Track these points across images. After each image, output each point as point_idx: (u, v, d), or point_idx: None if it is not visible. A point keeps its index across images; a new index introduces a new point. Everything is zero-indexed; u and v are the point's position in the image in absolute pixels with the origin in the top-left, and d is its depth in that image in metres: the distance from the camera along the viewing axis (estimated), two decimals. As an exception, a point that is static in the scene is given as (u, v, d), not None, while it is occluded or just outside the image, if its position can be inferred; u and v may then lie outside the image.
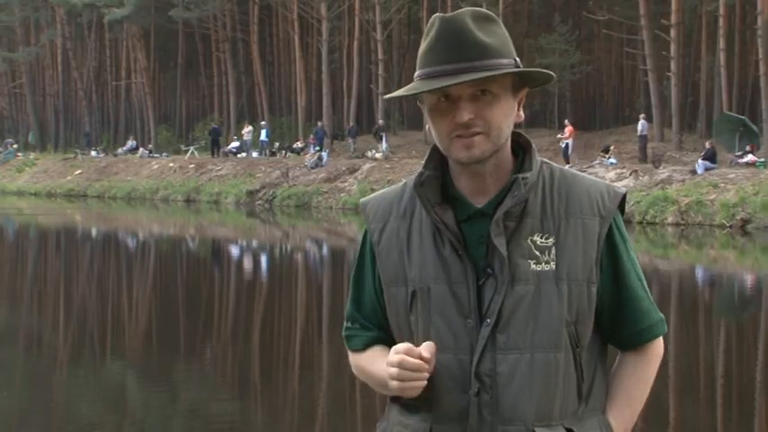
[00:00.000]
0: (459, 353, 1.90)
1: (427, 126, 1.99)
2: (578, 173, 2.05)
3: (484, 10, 1.94)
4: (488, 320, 1.90)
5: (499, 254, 1.90)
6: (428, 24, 1.94)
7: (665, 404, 7.72)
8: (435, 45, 1.90)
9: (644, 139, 34.05)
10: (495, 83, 1.89)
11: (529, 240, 1.93)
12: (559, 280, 1.92)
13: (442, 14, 1.93)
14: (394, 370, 1.88)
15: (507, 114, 1.93)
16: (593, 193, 1.98)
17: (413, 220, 2.00)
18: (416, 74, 1.94)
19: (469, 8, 1.94)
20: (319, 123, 45.05)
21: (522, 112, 1.99)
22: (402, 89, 1.97)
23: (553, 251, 1.92)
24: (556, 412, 1.92)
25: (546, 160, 2.03)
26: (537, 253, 1.92)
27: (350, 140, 43.31)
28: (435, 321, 1.92)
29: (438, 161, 2.00)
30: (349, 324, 2.10)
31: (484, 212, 1.94)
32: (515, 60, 1.92)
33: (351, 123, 46.31)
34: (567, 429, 1.93)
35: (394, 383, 1.89)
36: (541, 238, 1.93)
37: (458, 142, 1.90)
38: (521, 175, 1.94)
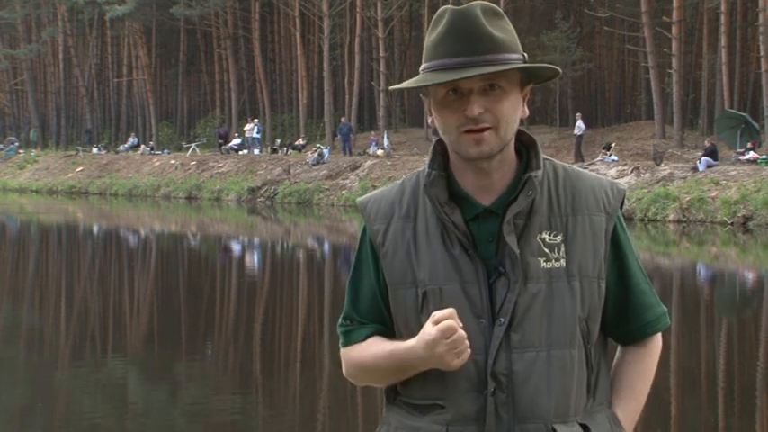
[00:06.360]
0: (474, 353, 1.88)
1: (430, 119, 1.98)
2: (581, 170, 2.06)
3: (493, 5, 1.94)
4: (502, 319, 1.90)
5: (511, 252, 1.90)
6: (436, 16, 1.93)
7: (666, 400, 7.73)
8: (446, 37, 1.88)
9: (579, 138, 34.94)
10: (504, 78, 1.90)
11: (538, 238, 1.93)
12: (571, 277, 1.93)
13: (451, 6, 1.92)
14: (448, 340, 1.82)
15: (515, 109, 1.93)
16: (598, 190, 2.00)
17: (417, 221, 1.98)
18: (424, 66, 1.92)
19: (479, 2, 1.93)
20: (343, 119, 44.87)
21: (527, 108, 1.99)
22: (410, 81, 1.94)
23: (562, 248, 1.93)
24: (572, 408, 1.93)
25: (548, 157, 2.03)
26: (546, 250, 1.93)
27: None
28: None
29: (440, 160, 1.99)
30: (347, 322, 2.07)
31: (492, 211, 1.94)
32: (523, 56, 1.93)
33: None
34: (581, 425, 1.94)
35: (445, 351, 1.83)
36: (550, 235, 1.94)
37: (467, 137, 1.89)
38: (533, 174, 1.93)
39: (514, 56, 1.90)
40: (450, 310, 1.84)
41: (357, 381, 2.10)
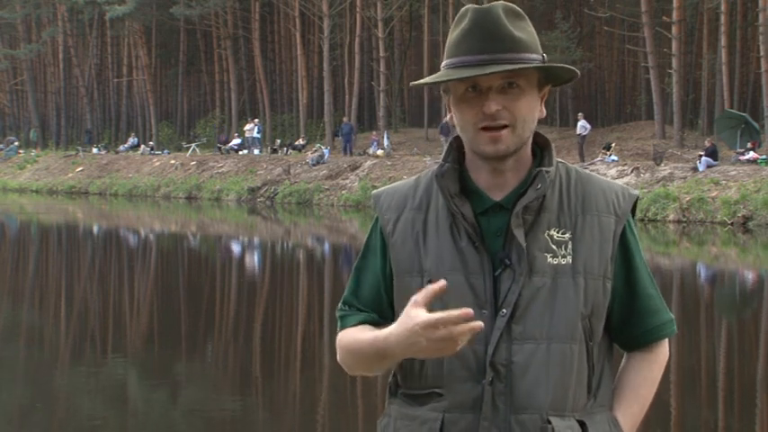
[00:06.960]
0: (474, 343, 1.90)
1: (449, 115, 2.01)
2: (593, 174, 2.09)
3: (514, 6, 1.98)
4: (504, 311, 1.92)
5: (518, 245, 1.93)
6: (459, 14, 1.97)
7: (667, 401, 7.72)
8: (468, 35, 1.93)
9: (583, 139, 35.20)
10: (523, 77, 1.93)
11: (546, 234, 1.96)
12: (576, 273, 1.95)
13: (475, 5, 1.96)
14: (445, 331, 1.76)
15: (532, 109, 1.97)
16: (609, 193, 2.03)
17: (428, 212, 2.02)
18: (445, 62, 1.96)
19: (501, 2, 1.97)
20: (344, 119, 44.80)
21: (544, 109, 2.03)
22: (431, 77, 1.99)
23: (569, 245, 1.96)
24: (569, 403, 1.94)
25: (561, 160, 2.06)
26: (553, 247, 1.95)
27: (442, 139, 42.04)
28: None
29: (456, 155, 2.03)
30: (345, 307, 2.10)
31: (502, 206, 1.97)
32: (543, 57, 1.96)
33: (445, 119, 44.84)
34: (579, 422, 1.95)
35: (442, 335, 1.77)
36: (558, 232, 1.96)
37: (484, 135, 1.93)
38: (544, 169, 1.97)
39: (534, 56, 1.94)
40: (436, 286, 1.80)
41: (348, 368, 2.10)
